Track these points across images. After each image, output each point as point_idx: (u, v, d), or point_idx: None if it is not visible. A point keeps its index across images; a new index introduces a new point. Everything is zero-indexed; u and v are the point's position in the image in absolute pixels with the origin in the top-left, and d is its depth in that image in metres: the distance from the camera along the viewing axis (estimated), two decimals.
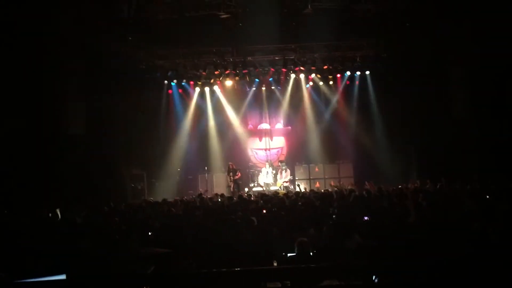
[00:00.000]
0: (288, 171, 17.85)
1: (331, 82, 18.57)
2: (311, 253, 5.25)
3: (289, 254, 5.47)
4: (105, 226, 7.61)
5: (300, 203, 9.55)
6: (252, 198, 12.22)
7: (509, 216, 6.04)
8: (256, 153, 19.74)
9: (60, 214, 9.65)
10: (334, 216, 7.76)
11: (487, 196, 8.93)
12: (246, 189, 17.34)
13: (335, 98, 18.96)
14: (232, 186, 17.08)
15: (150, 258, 5.02)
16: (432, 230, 5.57)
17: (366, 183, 12.92)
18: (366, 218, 7.07)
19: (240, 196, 12.32)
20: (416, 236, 5.41)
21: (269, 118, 19.77)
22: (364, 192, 10.84)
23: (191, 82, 18.59)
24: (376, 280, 3.93)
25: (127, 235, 6.50)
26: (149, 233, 7.06)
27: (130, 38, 15.13)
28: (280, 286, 4.43)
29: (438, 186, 10.98)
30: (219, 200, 12.04)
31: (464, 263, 3.49)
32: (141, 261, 4.90)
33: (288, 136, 19.77)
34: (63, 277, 4.08)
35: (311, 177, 18.16)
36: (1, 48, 11.82)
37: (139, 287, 3.83)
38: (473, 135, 14.38)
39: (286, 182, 17.46)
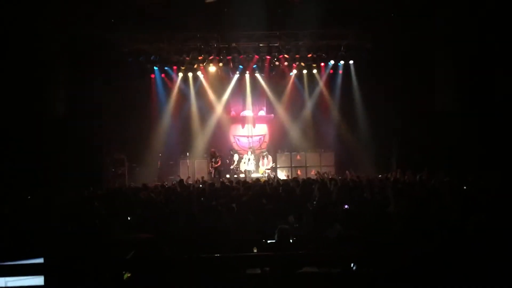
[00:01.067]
0: (270, 157, 17.92)
1: (315, 71, 18.61)
2: (291, 240, 5.27)
3: (269, 241, 5.48)
4: (84, 210, 7.55)
5: (280, 191, 9.58)
6: (234, 185, 12.21)
7: (487, 208, 6.14)
8: (238, 140, 19.73)
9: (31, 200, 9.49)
10: (314, 203, 7.80)
11: (464, 187, 9.10)
12: (228, 176, 17.35)
13: (319, 87, 19.01)
14: (213, 173, 17.07)
15: (129, 243, 4.99)
16: (411, 220, 5.63)
17: (347, 172, 13.02)
18: (346, 206, 7.12)
19: (222, 183, 12.32)
20: (396, 225, 5.48)
21: (252, 105, 19.73)
22: (345, 181, 10.91)
23: (174, 67, 18.41)
24: (354, 268, 3.96)
25: (106, 219, 6.46)
26: (129, 218, 7.03)
27: (112, 21, 14.92)
28: (260, 272, 4.44)
29: (418, 177, 11.12)
30: (200, 186, 12.01)
31: (442, 254, 3.54)
32: (121, 246, 4.87)
33: (270, 123, 19.79)
34: (40, 260, 4.04)
35: (293, 165, 18.23)
36: None
37: (119, 272, 3.81)
38: (456, 127, 14.55)
39: (268, 169, 17.50)
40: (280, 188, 10.12)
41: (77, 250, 4.84)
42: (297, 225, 6.19)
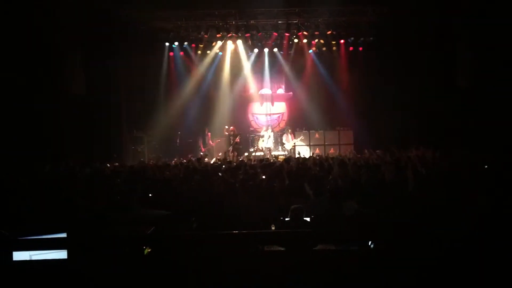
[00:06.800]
0: (290, 132, 17.88)
1: (334, 48, 18.38)
2: (304, 219, 5.29)
3: (286, 219, 5.52)
4: (106, 187, 7.67)
5: (298, 169, 9.58)
6: (252, 163, 12.23)
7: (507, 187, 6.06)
8: (257, 118, 19.72)
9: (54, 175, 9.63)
10: (332, 182, 7.79)
11: (486, 167, 8.97)
12: (246, 154, 17.40)
13: (338, 64, 18.80)
14: (231, 151, 17.12)
15: (150, 220, 5.07)
16: (430, 199, 5.61)
17: (366, 151, 12.93)
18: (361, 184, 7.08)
19: (241, 161, 12.36)
20: (415, 205, 5.45)
21: (271, 83, 19.65)
22: (364, 160, 10.85)
23: (193, 45, 18.39)
24: (372, 246, 3.98)
25: (128, 196, 6.56)
26: (150, 195, 7.12)
27: None
28: (278, 249, 4.48)
29: (437, 155, 11.01)
30: (220, 164, 12.05)
31: (463, 235, 3.52)
32: (141, 222, 4.96)
33: (289, 101, 19.71)
34: (63, 235, 4.13)
35: (311, 143, 18.18)
36: (3, 9, 11.75)
37: (139, 248, 3.88)
38: (476, 103, 14.31)
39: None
40: (298, 166, 10.11)
41: (99, 226, 4.94)
42: (314, 203, 6.19)
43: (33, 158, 11.72)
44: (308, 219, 5.37)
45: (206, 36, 17.65)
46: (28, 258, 3.78)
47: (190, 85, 18.78)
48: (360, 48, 18.38)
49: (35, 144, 12.44)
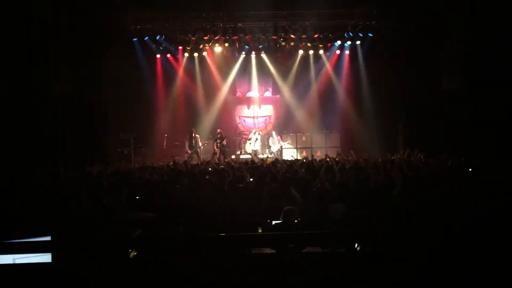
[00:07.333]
0: (275, 134, 17.88)
1: (321, 51, 18.46)
2: (295, 221, 5.29)
3: (274, 222, 5.51)
4: (92, 189, 7.60)
5: (285, 171, 9.57)
6: (239, 166, 12.18)
7: (493, 190, 6.12)
8: (244, 121, 19.71)
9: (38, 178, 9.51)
10: (319, 185, 7.79)
11: (470, 170, 9.05)
12: (233, 157, 17.35)
13: (325, 68, 18.88)
14: (218, 153, 17.07)
15: (136, 222, 5.04)
16: (416, 202, 5.64)
17: (352, 152, 12.98)
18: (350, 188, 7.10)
19: (228, 163, 12.32)
20: (401, 208, 5.48)
21: (258, 86, 19.66)
22: (350, 162, 10.88)
23: (180, 47, 18.33)
24: (358, 248, 3.98)
25: (114, 199, 6.51)
26: (136, 198, 7.07)
27: (118, 0, 14.81)
28: (266, 252, 4.47)
29: (422, 157, 11.09)
30: (207, 167, 12.00)
31: (448, 237, 3.54)
32: (128, 225, 4.92)
33: (276, 104, 19.73)
34: (47, 238, 4.08)
35: (298, 146, 18.20)
36: None
37: (125, 251, 3.85)
38: (463, 106, 14.42)
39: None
40: (285, 168, 10.11)
41: (84, 229, 4.89)
42: (302, 206, 6.19)
43: (17, 160, 11.57)
44: (295, 221, 5.37)
45: (193, 38, 17.61)
46: (11, 262, 3.72)
47: (177, 88, 18.72)
48: (347, 52, 18.49)
49: (19, 146, 12.27)
